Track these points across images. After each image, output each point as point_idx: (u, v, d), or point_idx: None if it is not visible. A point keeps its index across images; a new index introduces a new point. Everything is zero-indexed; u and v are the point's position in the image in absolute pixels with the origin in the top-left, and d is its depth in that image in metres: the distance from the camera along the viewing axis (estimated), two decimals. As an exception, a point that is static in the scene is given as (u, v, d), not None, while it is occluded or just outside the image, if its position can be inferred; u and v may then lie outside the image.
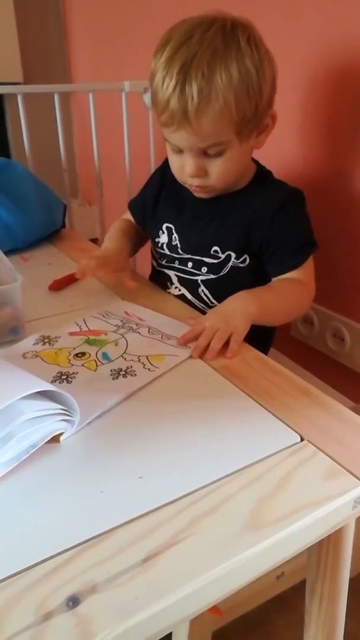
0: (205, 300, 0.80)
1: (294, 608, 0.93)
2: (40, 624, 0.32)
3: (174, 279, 0.82)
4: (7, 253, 0.73)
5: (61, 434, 0.47)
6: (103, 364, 0.59)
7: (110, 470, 0.45)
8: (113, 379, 0.56)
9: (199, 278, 0.80)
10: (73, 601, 0.33)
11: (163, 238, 0.83)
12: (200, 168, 0.71)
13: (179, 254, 0.81)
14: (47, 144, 1.36)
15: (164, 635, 0.36)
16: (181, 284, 0.82)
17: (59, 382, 0.56)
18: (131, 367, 0.58)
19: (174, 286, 0.83)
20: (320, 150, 0.97)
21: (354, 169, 0.91)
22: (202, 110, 0.64)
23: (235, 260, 0.77)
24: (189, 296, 0.81)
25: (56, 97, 1.22)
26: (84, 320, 0.69)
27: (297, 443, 0.48)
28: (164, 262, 0.83)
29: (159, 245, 0.84)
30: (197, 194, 0.77)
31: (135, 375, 0.57)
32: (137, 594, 0.34)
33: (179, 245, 0.81)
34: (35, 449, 0.44)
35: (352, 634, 0.66)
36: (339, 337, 1.03)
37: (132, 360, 0.59)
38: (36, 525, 0.39)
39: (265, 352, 0.88)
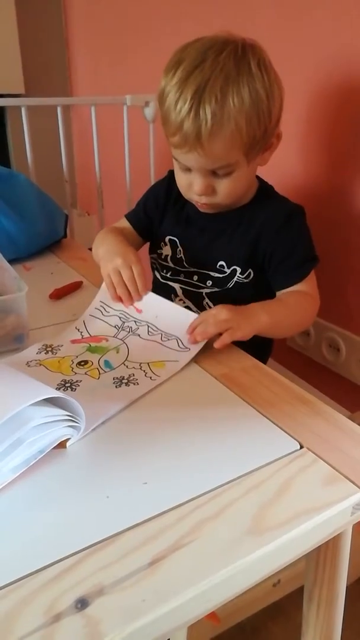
0: None
1: (290, 615, 0.94)
2: (49, 625, 0.33)
3: (179, 292, 0.84)
4: (10, 262, 0.74)
5: (68, 439, 0.49)
6: (105, 372, 0.60)
7: (115, 476, 0.46)
8: (116, 387, 0.57)
9: (204, 291, 0.81)
10: (82, 603, 0.34)
11: (166, 250, 0.84)
12: (208, 187, 0.73)
13: (184, 267, 0.82)
14: (48, 155, 1.38)
15: None
16: (185, 296, 0.83)
17: (63, 390, 0.57)
18: (133, 375, 0.59)
19: (177, 298, 0.84)
20: (321, 166, 0.99)
21: (353, 185, 0.93)
22: (215, 133, 0.66)
23: (240, 276, 0.79)
24: (193, 308, 0.83)
25: (59, 110, 1.24)
26: (84, 323, 0.70)
27: (296, 450, 0.49)
28: (168, 275, 0.85)
29: (162, 257, 0.85)
30: (203, 210, 0.79)
31: (137, 384, 0.58)
32: (143, 597, 0.35)
33: (184, 258, 0.83)
34: (42, 454, 0.46)
35: (348, 641, 0.67)
36: (335, 347, 1.04)
37: (133, 367, 0.60)
38: (44, 529, 0.40)
39: (264, 362, 0.89)
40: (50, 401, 0.48)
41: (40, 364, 0.62)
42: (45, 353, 0.64)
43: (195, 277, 0.82)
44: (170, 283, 0.84)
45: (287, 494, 0.44)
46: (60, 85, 1.81)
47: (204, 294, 0.82)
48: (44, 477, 0.45)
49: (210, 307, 0.81)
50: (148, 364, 0.61)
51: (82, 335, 0.68)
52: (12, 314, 0.65)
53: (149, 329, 0.67)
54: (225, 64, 0.65)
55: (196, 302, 0.83)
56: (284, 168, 1.02)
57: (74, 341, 0.67)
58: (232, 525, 0.41)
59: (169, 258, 0.84)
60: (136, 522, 0.41)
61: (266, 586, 0.84)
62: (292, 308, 0.75)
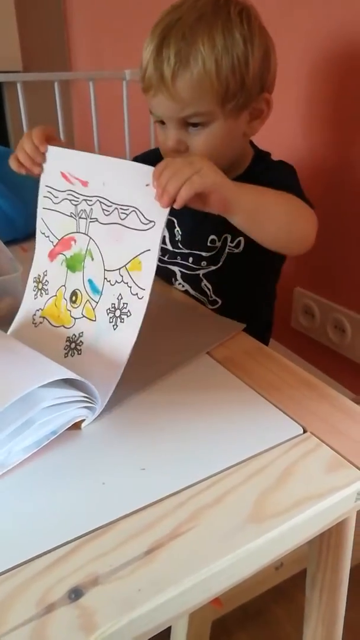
0: (207, 294, 0.80)
1: (293, 598, 0.94)
2: (42, 616, 0.32)
3: (178, 275, 0.81)
4: (7, 243, 0.72)
5: (82, 420, 0.48)
6: (96, 301, 0.56)
7: (112, 462, 0.44)
8: (114, 327, 0.54)
9: (200, 272, 0.79)
10: (75, 593, 0.33)
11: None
12: (180, 142, 0.68)
13: (179, 248, 0.80)
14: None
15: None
16: (184, 280, 0.81)
17: (71, 356, 0.55)
18: (120, 297, 0.54)
19: (177, 282, 0.82)
20: (325, 141, 0.96)
21: (356, 159, 0.90)
22: (179, 72, 0.62)
23: (230, 245, 0.76)
24: (192, 292, 0.81)
25: (56, 85, 1.21)
26: (43, 221, 0.63)
27: (299, 435, 0.48)
28: (166, 258, 0.82)
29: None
30: None
31: (130, 314, 0.53)
32: (139, 586, 0.34)
33: (180, 239, 0.80)
34: (55, 435, 0.45)
35: (352, 624, 0.66)
36: (340, 329, 1.02)
37: (116, 282, 0.55)
38: (38, 517, 0.39)
39: (266, 342, 0.88)
40: (65, 379, 0.47)
41: (44, 318, 0.60)
42: (39, 293, 0.62)
43: (191, 259, 0.79)
44: (170, 267, 0.82)
45: (290, 479, 0.43)
46: (60, 62, 1.76)
47: (200, 275, 0.79)
48: (38, 465, 0.44)
49: (208, 288, 0.80)
50: (126, 268, 0.54)
51: (51, 241, 0.62)
52: (8, 295, 0.63)
53: (102, 206, 0.57)
54: (202, 7, 0.62)
55: (195, 285, 0.80)
56: (288, 150, 0.99)
57: (51, 255, 0.62)
58: (232, 513, 0.39)
59: (166, 239, 0.82)
60: (133, 510, 0.39)
61: (269, 569, 0.83)
62: (284, 198, 0.62)
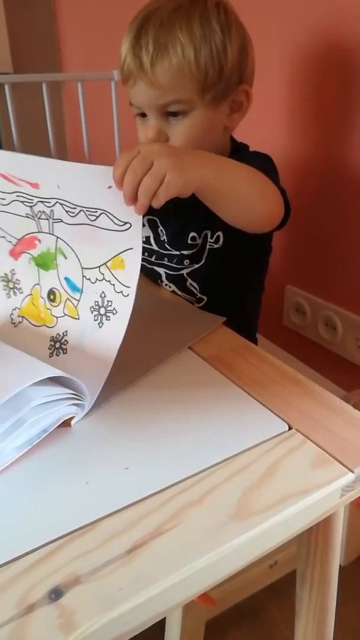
0: (193, 292, 0.80)
1: (288, 596, 0.93)
2: (22, 616, 0.32)
3: (163, 276, 0.81)
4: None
5: (72, 417, 0.48)
6: (77, 299, 0.55)
7: (95, 462, 0.44)
8: (99, 325, 0.53)
9: (184, 271, 0.79)
10: (56, 593, 0.33)
11: (145, 231, 0.81)
12: (161, 132, 0.68)
13: (167, 249, 0.80)
14: (38, 133, 1.34)
15: (154, 623, 0.36)
16: (169, 280, 0.81)
17: (57, 355, 0.55)
18: (103, 295, 0.53)
19: (163, 284, 0.82)
20: (310, 138, 0.96)
21: (344, 155, 0.90)
22: (158, 59, 0.63)
23: (210, 241, 0.76)
24: (179, 293, 0.80)
25: (44, 86, 1.21)
26: None
27: (285, 432, 0.48)
28: (153, 259, 0.82)
29: (143, 239, 0.82)
30: None
31: (115, 311, 0.52)
32: (121, 585, 0.34)
33: (166, 240, 0.80)
34: (47, 434, 0.45)
35: (344, 621, 0.66)
36: (331, 326, 1.02)
37: (97, 279, 0.54)
38: (20, 517, 0.39)
39: (252, 338, 0.88)
40: (52, 377, 0.47)
41: (23, 317, 0.60)
42: (11, 291, 0.61)
43: (175, 259, 0.79)
44: (155, 268, 0.81)
45: (274, 477, 0.43)
46: (51, 63, 1.76)
47: (185, 274, 0.79)
48: (20, 465, 0.44)
49: (194, 287, 0.79)
50: (107, 266, 0.53)
51: (9, 240, 0.61)
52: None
53: (65, 208, 0.54)
54: None
55: (180, 286, 0.80)
56: (271, 145, 0.99)
57: (12, 253, 0.61)
58: (215, 510, 0.39)
59: (151, 239, 0.81)
60: (116, 509, 0.39)
61: (263, 567, 0.83)
62: (250, 170, 0.60)
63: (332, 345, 1.03)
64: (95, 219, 0.52)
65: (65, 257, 0.56)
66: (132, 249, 0.51)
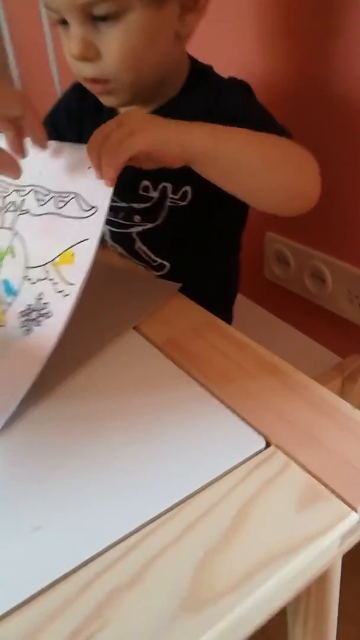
0: (145, 259, 0.64)
1: (286, 610, 0.84)
2: None
3: (107, 235, 0.65)
4: None
5: None
6: (10, 304, 0.49)
7: (-9, 524, 0.31)
8: (27, 331, 0.46)
9: (133, 230, 0.63)
10: None
11: None
12: (88, 44, 0.51)
13: (112, 201, 0.63)
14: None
15: None
16: (115, 241, 0.65)
17: None
18: (40, 296, 0.48)
19: (109, 244, 0.66)
20: (285, 57, 0.79)
21: (329, 75, 0.74)
22: None
23: (172, 197, 0.60)
24: (126, 255, 0.65)
25: None
26: None
27: (261, 451, 0.35)
28: None
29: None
30: (104, 101, 0.58)
31: (50, 315, 0.46)
32: None
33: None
34: None
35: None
36: (319, 277, 0.89)
37: (38, 279, 0.49)
38: None
39: (228, 308, 0.74)
40: None
41: None
42: None
43: (122, 214, 0.63)
44: None
45: (244, 528, 0.30)
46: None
47: (133, 234, 0.63)
48: None
49: (144, 252, 0.64)
50: (53, 263, 0.49)
51: None
52: None
53: (37, 195, 0.52)
54: None
55: (128, 247, 0.64)
56: (240, 65, 0.82)
57: None
58: (158, 598, 0.27)
59: None
60: (16, 603, 0.27)
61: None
62: (257, 135, 0.51)
63: (321, 300, 0.91)
64: (63, 206, 0.51)
65: (14, 257, 0.52)
66: (87, 239, 0.48)
